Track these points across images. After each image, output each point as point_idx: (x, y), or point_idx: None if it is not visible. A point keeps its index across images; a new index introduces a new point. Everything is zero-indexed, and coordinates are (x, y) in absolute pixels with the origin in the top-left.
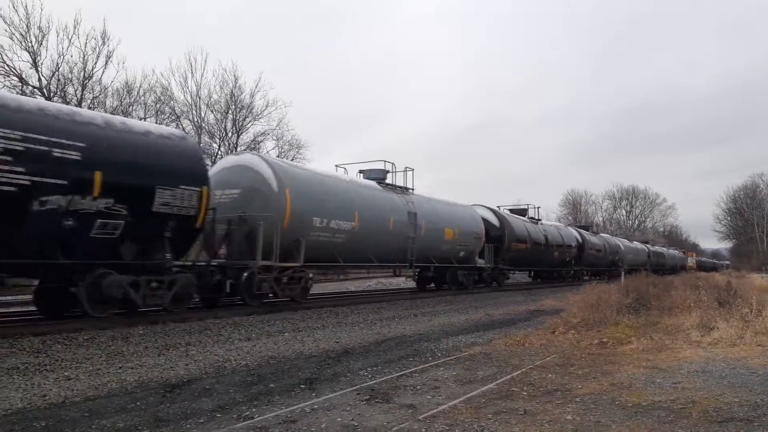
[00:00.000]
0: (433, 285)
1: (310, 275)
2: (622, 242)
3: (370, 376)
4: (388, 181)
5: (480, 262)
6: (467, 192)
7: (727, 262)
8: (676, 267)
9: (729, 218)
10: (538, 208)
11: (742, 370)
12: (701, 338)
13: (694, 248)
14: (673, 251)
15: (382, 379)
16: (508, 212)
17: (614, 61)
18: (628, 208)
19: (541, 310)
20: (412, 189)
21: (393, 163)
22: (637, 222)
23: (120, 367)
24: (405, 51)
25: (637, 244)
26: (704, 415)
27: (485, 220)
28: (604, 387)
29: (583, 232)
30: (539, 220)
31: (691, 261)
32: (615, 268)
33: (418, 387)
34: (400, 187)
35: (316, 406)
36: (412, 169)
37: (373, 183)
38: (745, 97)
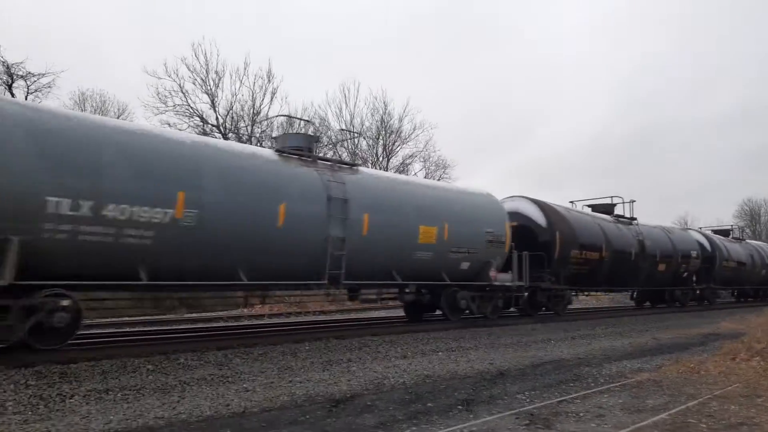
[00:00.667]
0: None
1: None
2: None
3: (528, 400)
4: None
5: (504, 279)
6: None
7: None
8: None
9: None
10: (633, 202)
11: None
12: None
13: None
14: None
15: (541, 404)
16: (569, 208)
17: None
18: None
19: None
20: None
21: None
22: None
23: (290, 381)
24: (560, 62)
25: (754, 245)
26: None
27: (522, 216)
28: None
29: (716, 237)
30: (633, 219)
31: None
32: None
33: (581, 414)
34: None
35: (474, 429)
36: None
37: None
38: None
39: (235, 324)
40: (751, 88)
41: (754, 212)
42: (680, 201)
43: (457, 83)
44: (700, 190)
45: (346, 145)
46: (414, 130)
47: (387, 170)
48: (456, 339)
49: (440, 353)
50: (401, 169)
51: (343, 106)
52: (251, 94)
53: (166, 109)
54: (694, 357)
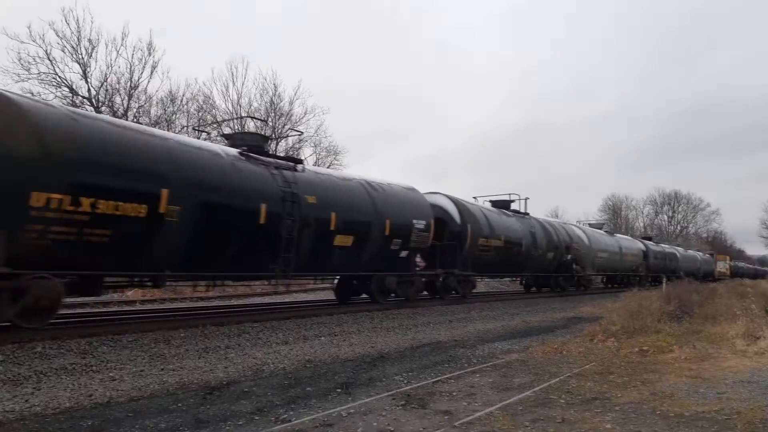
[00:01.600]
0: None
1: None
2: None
3: (405, 381)
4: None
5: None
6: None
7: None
8: (696, 272)
9: None
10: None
11: None
12: (747, 347)
13: (739, 254)
14: (692, 252)
15: (418, 384)
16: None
17: (668, 61)
18: (670, 214)
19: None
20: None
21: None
22: (679, 227)
23: (162, 369)
24: (451, 60)
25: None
26: (750, 426)
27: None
28: (644, 396)
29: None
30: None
31: (722, 266)
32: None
33: (454, 393)
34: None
35: (352, 411)
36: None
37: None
38: None
39: (104, 310)
40: (629, 92)
41: (616, 207)
42: (553, 194)
43: (352, 70)
44: (571, 185)
45: (232, 125)
46: (305, 114)
47: (276, 153)
48: (339, 324)
49: (323, 338)
50: (291, 152)
51: (230, 84)
52: (129, 66)
53: (29, 76)
54: (557, 338)
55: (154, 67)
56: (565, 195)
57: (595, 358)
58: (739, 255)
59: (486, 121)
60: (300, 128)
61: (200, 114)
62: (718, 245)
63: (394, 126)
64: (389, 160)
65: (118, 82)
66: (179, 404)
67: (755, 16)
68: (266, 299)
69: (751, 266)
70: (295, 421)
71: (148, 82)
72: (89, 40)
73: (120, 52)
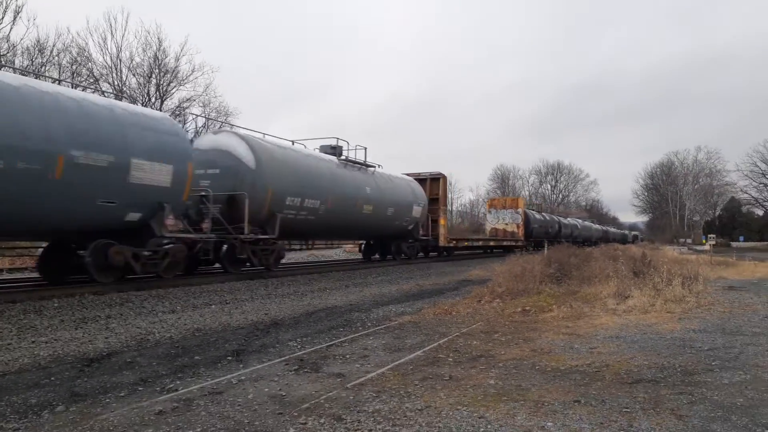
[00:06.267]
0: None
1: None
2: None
3: (299, 346)
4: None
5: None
6: (407, 166)
7: (635, 233)
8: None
9: (646, 193)
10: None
11: (652, 336)
12: (617, 306)
13: (614, 221)
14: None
15: (312, 349)
16: (289, 147)
17: (570, 37)
18: (553, 183)
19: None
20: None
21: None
22: (561, 196)
23: (33, 342)
24: (354, 23)
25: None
26: (616, 377)
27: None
28: (525, 353)
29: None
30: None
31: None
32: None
33: (347, 356)
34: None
35: (243, 378)
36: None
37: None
38: (673, 82)
39: None
40: (530, 65)
41: (504, 176)
42: (448, 162)
43: (254, 29)
44: (467, 155)
45: (110, 80)
46: (193, 71)
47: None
48: (231, 291)
49: (213, 306)
50: (177, 112)
51: (108, 36)
52: None
53: None
54: (448, 300)
55: (17, 12)
56: (460, 165)
57: (482, 318)
58: (614, 221)
59: (392, 91)
60: (188, 86)
61: (74, 67)
62: (595, 213)
63: (299, 85)
64: (292, 125)
65: None
66: (52, 378)
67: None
68: None
69: (618, 231)
70: (183, 390)
71: (11, 28)
72: None
73: None
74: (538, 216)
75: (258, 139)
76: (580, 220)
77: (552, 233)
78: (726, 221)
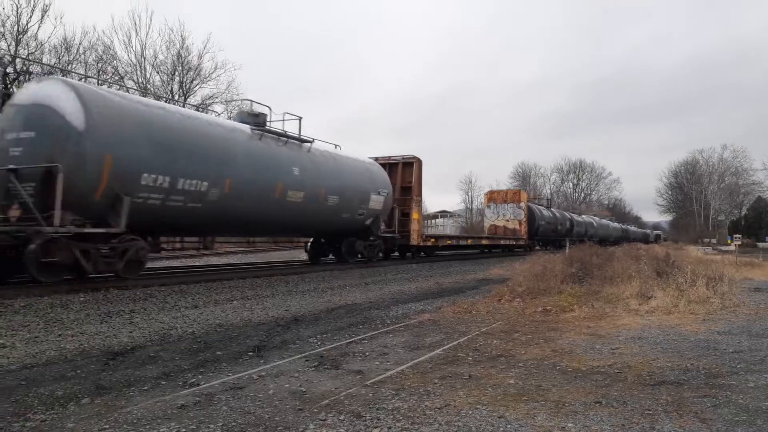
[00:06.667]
0: None
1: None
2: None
3: (319, 343)
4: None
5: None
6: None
7: (657, 232)
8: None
9: (670, 192)
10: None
11: (675, 337)
12: (639, 306)
13: (636, 220)
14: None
15: (331, 346)
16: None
17: (593, 33)
18: (575, 182)
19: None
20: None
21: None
22: (583, 195)
23: (59, 335)
24: (372, 19)
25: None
26: (638, 378)
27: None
28: (546, 353)
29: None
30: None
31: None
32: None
33: (367, 353)
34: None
35: (264, 373)
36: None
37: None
38: (701, 76)
39: None
40: (553, 61)
41: (525, 174)
42: (468, 160)
43: (272, 27)
44: (486, 152)
45: (135, 78)
46: (215, 69)
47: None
48: (252, 287)
49: (235, 302)
50: (201, 109)
51: (133, 34)
52: (15, 8)
53: None
54: (468, 299)
55: (45, 11)
56: (479, 162)
57: (502, 317)
58: (636, 221)
59: (411, 85)
60: (210, 84)
61: (100, 65)
62: (617, 212)
63: (315, 84)
64: (311, 122)
65: (3, 26)
66: (78, 371)
67: None
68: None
69: (639, 230)
70: (204, 385)
71: (39, 27)
72: None
73: None
74: (545, 212)
75: (94, 88)
76: (596, 218)
77: (562, 231)
78: (752, 221)
